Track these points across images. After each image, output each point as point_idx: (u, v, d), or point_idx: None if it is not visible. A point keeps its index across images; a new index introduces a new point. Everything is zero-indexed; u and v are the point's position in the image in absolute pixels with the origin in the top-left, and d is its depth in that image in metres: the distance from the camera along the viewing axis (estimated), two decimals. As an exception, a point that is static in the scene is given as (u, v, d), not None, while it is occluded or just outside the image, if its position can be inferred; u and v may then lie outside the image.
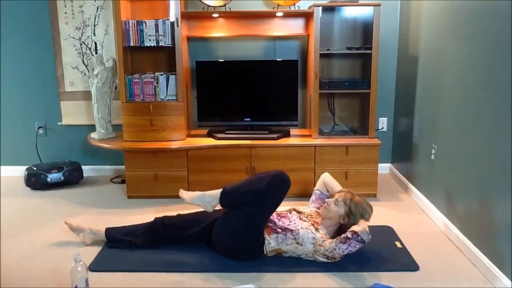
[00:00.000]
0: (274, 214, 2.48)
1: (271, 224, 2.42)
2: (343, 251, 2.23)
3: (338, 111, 3.76)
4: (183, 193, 2.41)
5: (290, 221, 2.43)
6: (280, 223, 2.42)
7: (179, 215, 2.61)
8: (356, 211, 2.38)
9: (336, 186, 2.68)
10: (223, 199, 2.33)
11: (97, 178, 3.92)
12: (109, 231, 2.58)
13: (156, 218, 2.57)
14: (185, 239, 2.54)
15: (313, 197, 2.76)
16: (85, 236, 2.59)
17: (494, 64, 2.20)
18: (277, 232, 2.39)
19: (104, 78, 3.46)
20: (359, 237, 2.19)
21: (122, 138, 3.43)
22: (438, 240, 2.65)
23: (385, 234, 2.71)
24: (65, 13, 3.72)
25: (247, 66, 3.51)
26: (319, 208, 2.65)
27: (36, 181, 3.57)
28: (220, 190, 2.35)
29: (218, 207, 2.38)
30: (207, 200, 2.35)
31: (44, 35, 3.77)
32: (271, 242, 2.37)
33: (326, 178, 2.75)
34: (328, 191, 2.73)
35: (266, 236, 2.38)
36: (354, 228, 2.24)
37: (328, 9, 3.50)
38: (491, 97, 2.22)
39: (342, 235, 2.25)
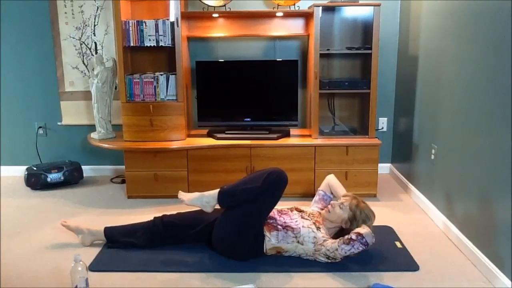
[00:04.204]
0: (275, 211, 2.49)
1: (271, 221, 2.42)
2: (345, 252, 2.23)
3: (338, 111, 3.76)
4: (182, 195, 2.41)
5: (291, 219, 2.43)
6: (281, 219, 2.43)
7: (179, 213, 2.60)
8: (359, 217, 2.40)
9: (340, 189, 2.68)
10: (221, 198, 2.33)
11: (97, 178, 3.92)
12: (108, 232, 2.57)
13: (155, 218, 2.57)
14: (185, 239, 2.54)
15: (316, 198, 2.76)
16: (84, 238, 2.58)
17: (494, 64, 2.20)
18: (278, 230, 2.39)
19: (104, 78, 3.46)
20: (364, 239, 2.19)
21: (122, 138, 3.43)
22: (438, 240, 2.65)
23: (385, 234, 2.71)
24: (65, 13, 3.72)
25: (247, 66, 3.51)
26: (321, 209, 2.65)
27: (36, 181, 3.57)
28: (218, 190, 2.36)
29: (217, 207, 2.38)
30: (205, 201, 2.36)
31: (44, 35, 3.77)
32: (272, 239, 2.37)
33: (331, 180, 2.76)
34: (332, 193, 2.73)
35: (267, 233, 2.38)
36: (359, 230, 2.23)
37: (328, 9, 3.50)
38: (491, 97, 2.22)
39: (346, 236, 2.25)
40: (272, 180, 2.30)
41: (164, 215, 2.58)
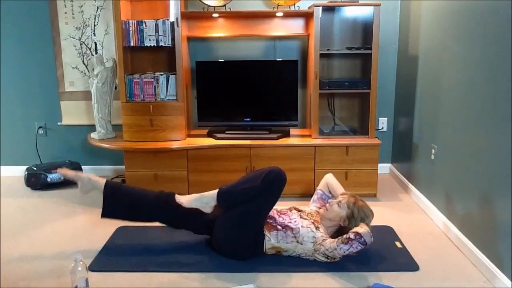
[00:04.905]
0: (274, 211, 2.49)
1: (271, 221, 2.42)
2: (344, 252, 2.23)
3: (338, 111, 3.76)
4: (179, 198, 2.40)
5: (290, 219, 2.43)
6: (280, 219, 2.43)
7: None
8: (357, 215, 2.39)
9: (339, 188, 2.68)
10: (220, 199, 2.34)
11: (97, 178, 3.92)
12: (109, 190, 2.47)
13: (161, 192, 2.52)
14: (187, 226, 2.52)
15: (314, 197, 2.77)
16: (82, 186, 2.50)
17: (494, 64, 2.20)
18: (277, 229, 2.39)
19: (104, 78, 3.46)
20: (362, 239, 2.19)
21: (122, 138, 3.43)
22: (438, 240, 2.65)
23: (385, 234, 2.71)
24: (65, 13, 3.72)
25: (247, 66, 3.51)
26: (320, 208, 2.65)
27: (36, 181, 3.57)
28: (217, 190, 2.36)
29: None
30: (205, 202, 2.36)
31: (44, 35, 3.77)
32: (271, 239, 2.38)
33: (330, 180, 2.76)
34: (330, 192, 2.73)
35: (266, 232, 2.39)
36: (357, 229, 2.23)
37: (328, 9, 3.50)
38: (491, 97, 2.22)
39: (344, 236, 2.25)
40: (271, 179, 2.30)
41: (171, 193, 2.52)
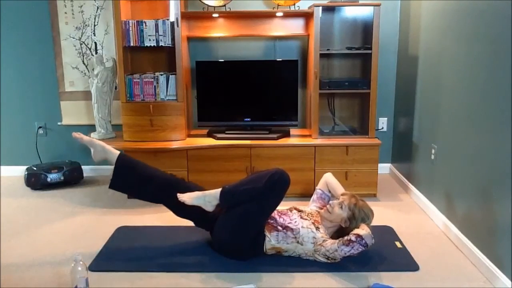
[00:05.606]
0: (275, 211, 2.49)
1: (271, 221, 2.42)
2: (345, 253, 2.23)
3: (338, 111, 3.76)
4: (182, 196, 2.40)
5: (290, 219, 2.43)
6: (281, 220, 2.43)
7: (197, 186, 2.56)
8: (358, 216, 2.39)
9: (338, 187, 2.68)
10: (222, 198, 2.33)
11: (97, 178, 3.92)
12: (121, 163, 2.45)
13: (172, 175, 2.52)
14: (187, 217, 2.52)
15: (314, 196, 2.77)
16: (95, 153, 2.50)
17: (494, 64, 2.20)
18: (278, 230, 2.39)
19: (104, 78, 3.46)
20: (363, 241, 2.19)
21: (122, 138, 3.43)
22: (438, 240, 2.65)
23: (385, 234, 2.71)
24: (65, 13, 3.72)
25: (247, 66, 3.51)
26: (320, 208, 2.65)
27: (36, 181, 3.57)
28: (220, 189, 2.36)
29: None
30: (207, 200, 2.35)
31: (44, 35, 3.77)
32: (272, 240, 2.38)
33: (329, 179, 2.76)
34: (330, 191, 2.73)
35: (267, 233, 2.39)
36: (358, 231, 2.23)
37: (328, 9, 3.50)
38: (491, 97, 2.22)
39: (345, 237, 2.25)
40: (274, 181, 2.30)
41: (181, 180, 2.54)
